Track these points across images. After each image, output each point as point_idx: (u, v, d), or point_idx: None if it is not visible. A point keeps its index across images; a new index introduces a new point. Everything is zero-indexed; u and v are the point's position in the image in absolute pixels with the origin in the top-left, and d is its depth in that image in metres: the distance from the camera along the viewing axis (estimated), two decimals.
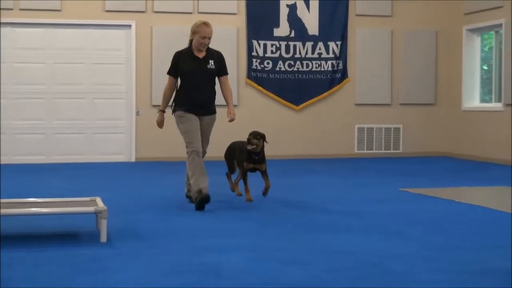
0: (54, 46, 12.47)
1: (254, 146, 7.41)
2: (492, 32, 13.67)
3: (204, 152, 7.32)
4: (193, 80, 7.11)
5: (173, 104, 7.29)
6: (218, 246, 5.50)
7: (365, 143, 14.22)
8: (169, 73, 7.30)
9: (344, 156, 14.00)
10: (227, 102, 7.48)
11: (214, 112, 7.47)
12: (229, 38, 13.24)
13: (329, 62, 13.86)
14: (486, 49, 14.19)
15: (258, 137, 7.54)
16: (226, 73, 7.44)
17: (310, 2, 13.73)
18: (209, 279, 4.36)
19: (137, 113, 12.89)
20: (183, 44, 13.49)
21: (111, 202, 6.86)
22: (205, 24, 7.11)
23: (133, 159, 12.99)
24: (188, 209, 7.50)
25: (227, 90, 7.42)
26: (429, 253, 5.18)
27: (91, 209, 5.66)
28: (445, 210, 7.56)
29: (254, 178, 7.97)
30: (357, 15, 13.97)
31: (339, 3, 13.89)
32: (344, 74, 13.95)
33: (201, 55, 7.10)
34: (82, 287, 4.08)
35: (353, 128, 14.16)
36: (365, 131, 14.21)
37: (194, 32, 7.07)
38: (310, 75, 13.80)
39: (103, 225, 5.57)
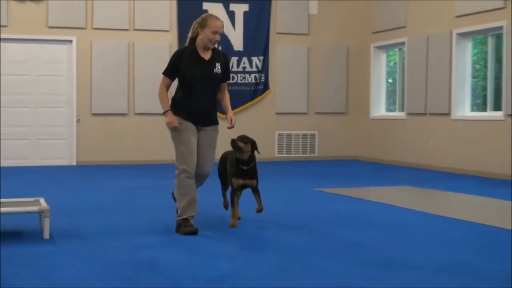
0: (2, 59, 12.62)
1: (239, 150, 6.32)
2: (396, 49, 14.42)
3: (207, 174, 6.18)
4: (197, 85, 5.92)
5: (171, 105, 6.07)
6: (152, 243, 5.62)
7: (285, 147, 14.78)
8: (165, 73, 6.03)
9: (266, 159, 14.22)
10: (226, 109, 6.49)
11: (217, 122, 6.39)
12: (162, 53, 13.52)
13: (253, 75, 14.46)
14: (391, 64, 14.95)
15: (245, 140, 6.43)
16: (229, 78, 6.40)
17: (236, 21, 14.26)
18: (145, 273, 4.55)
19: (78, 121, 13.27)
20: (121, 57, 13.95)
21: (54, 202, 6.83)
22: (216, 17, 5.93)
23: (74, 163, 13.34)
24: (126, 209, 7.65)
25: (226, 96, 6.46)
26: (342, 248, 5.46)
27: (35, 208, 5.72)
28: (356, 208, 7.85)
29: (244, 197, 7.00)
30: (277, 33, 14.55)
31: (261, 22, 14.43)
32: (266, 86, 14.57)
33: (207, 56, 5.89)
34: (26, 282, 4.24)
35: (274, 134, 14.72)
36: (285, 137, 14.77)
37: (202, 25, 5.80)
38: (235, 87, 14.27)
39: (46, 223, 5.64)
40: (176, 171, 5.86)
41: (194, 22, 5.88)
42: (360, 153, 15.22)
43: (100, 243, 5.63)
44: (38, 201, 6.07)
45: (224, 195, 6.82)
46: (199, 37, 5.77)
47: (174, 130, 5.89)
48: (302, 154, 14.92)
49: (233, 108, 13.77)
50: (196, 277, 4.46)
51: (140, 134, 13.92)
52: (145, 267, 4.73)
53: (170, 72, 5.92)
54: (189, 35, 5.97)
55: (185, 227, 5.69)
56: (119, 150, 13.84)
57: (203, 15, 5.93)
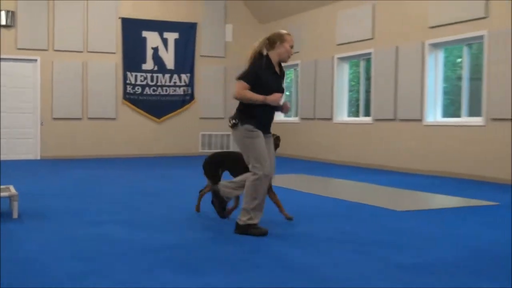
0: None
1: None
2: (292, 69, 14.64)
3: (272, 177, 5.36)
4: None
5: (241, 114, 5.16)
6: (107, 221, 5.54)
7: (207, 145, 15.34)
8: (245, 79, 5.08)
9: (192, 154, 15.02)
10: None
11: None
12: (110, 70, 14.27)
13: (182, 88, 14.97)
14: (288, 80, 14.97)
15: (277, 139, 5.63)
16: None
17: (168, 46, 14.79)
18: (100, 245, 4.50)
19: (41, 124, 13.66)
20: (76, 73, 13.68)
21: (22, 189, 6.89)
22: (289, 33, 5.34)
23: (38, 157, 13.69)
24: (83, 194, 7.50)
25: None
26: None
27: (5, 194, 5.59)
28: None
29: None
30: (201, 55, 15.20)
31: (188, 47, 14.99)
32: (192, 97, 15.10)
33: (278, 71, 5.28)
34: None
35: (198, 134, 15.29)
36: (207, 137, 15.35)
37: (282, 40, 5.18)
38: (168, 98, 14.82)
39: (15, 206, 5.59)
40: (255, 176, 5.03)
41: (265, 38, 5.21)
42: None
43: (62, 221, 5.55)
44: (8, 188, 5.94)
45: (202, 195, 6.17)
46: (277, 51, 5.15)
47: (247, 135, 5.05)
48: (221, 149, 15.07)
49: (166, 113, 14.69)
50: (144, 247, 4.46)
51: (91, 134, 14.30)
52: (100, 240, 4.69)
53: (251, 80, 5.08)
54: (256, 49, 5.20)
55: (256, 229, 5.05)
56: (75, 147, 14.20)
57: (277, 32, 5.26)
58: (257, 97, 5.02)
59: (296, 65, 14.65)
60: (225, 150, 14.19)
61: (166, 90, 14.89)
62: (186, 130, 15.21)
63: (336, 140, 13.20)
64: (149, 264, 4.03)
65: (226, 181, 5.42)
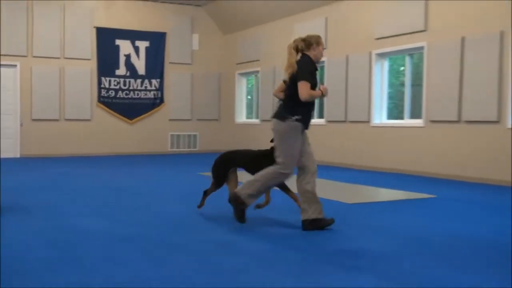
0: None
1: None
2: (253, 75, 15.03)
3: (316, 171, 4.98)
4: None
5: (292, 111, 4.88)
6: (83, 213, 5.52)
7: (175, 144, 15.28)
8: (309, 80, 4.80)
9: (161, 153, 15.01)
10: None
11: None
12: (85, 75, 14.15)
13: (152, 92, 14.88)
14: (249, 85, 15.59)
15: None
16: None
17: (140, 53, 14.69)
18: (76, 235, 4.50)
19: (21, 125, 13.54)
20: (54, 78, 13.43)
21: (3, 185, 6.96)
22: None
23: (18, 155, 13.55)
24: (61, 189, 7.43)
25: None
26: (219, 213, 5.47)
27: None
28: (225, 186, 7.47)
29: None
30: (170, 62, 15.12)
31: (158, 55, 14.91)
32: (161, 100, 15.00)
33: None
34: None
35: (167, 134, 15.19)
36: (175, 137, 15.29)
37: (318, 43, 5.00)
38: (139, 101, 14.73)
39: None
40: (281, 171, 4.90)
41: (301, 40, 5.01)
42: (229, 147, 14.68)
43: (41, 213, 5.50)
44: None
45: (207, 195, 5.73)
46: (313, 52, 4.95)
47: (294, 133, 4.86)
48: (188, 148, 15.47)
49: (138, 115, 14.66)
50: (113, 236, 4.48)
51: (68, 134, 14.14)
52: (75, 231, 4.67)
53: (311, 79, 4.84)
54: (298, 49, 5.00)
55: (326, 221, 4.86)
56: (53, 146, 14.04)
57: (313, 35, 5.05)
58: (318, 93, 4.88)
59: (257, 71, 14.72)
60: (189, 148, 14.50)
61: (138, 94, 14.79)
62: (156, 130, 15.14)
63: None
64: (121, 252, 4.02)
65: (244, 186, 5.01)
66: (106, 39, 14.38)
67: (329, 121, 12.06)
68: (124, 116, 14.70)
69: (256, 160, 5.33)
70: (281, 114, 4.89)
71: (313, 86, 4.82)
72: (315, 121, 12.40)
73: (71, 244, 4.24)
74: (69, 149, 14.26)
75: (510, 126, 8.44)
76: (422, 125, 9.94)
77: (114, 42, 14.50)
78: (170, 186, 7.93)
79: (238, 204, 5.03)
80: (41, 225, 4.97)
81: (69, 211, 5.72)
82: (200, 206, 5.74)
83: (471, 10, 8.98)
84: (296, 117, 4.81)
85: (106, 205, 6.17)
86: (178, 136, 15.43)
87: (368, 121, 11.06)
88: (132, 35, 14.64)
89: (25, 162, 12.21)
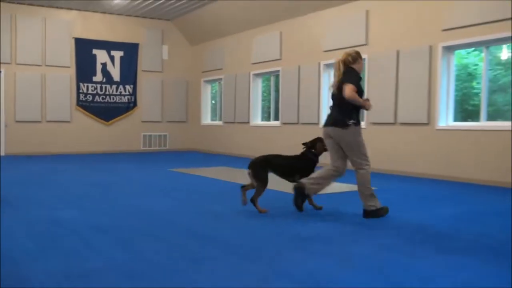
0: None
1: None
2: (217, 82, 15.02)
3: None
4: None
5: (351, 115, 4.90)
6: (62, 207, 5.42)
7: (147, 143, 15.14)
8: (355, 83, 4.85)
9: (135, 151, 14.86)
10: None
11: None
12: (65, 81, 13.86)
13: (126, 97, 14.69)
14: (213, 91, 15.51)
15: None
16: None
17: (115, 61, 14.47)
18: (56, 226, 4.43)
19: (6, 126, 13.28)
20: (36, 84, 13.19)
21: None
22: None
23: (3, 154, 13.25)
24: (42, 184, 7.34)
25: None
26: (191, 207, 5.34)
27: None
28: (193, 181, 7.84)
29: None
30: (142, 70, 14.96)
31: (132, 63, 14.69)
32: (135, 104, 14.85)
33: None
34: None
35: (140, 135, 15.08)
36: (147, 137, 15.16)
37: (360, 58, 5.10)
38: (115, 104, 14.52)
39: None
40: (365, 168, 4.88)
41: (347, 55, 5.07)
42: (196, 146, 15.66)
43: (23, 206, 5.44)
44: None
45: (247, 190, 5.31)
46: (357, 65, 5.04)
47: (358, 134, 4.89)
48: (159, 147, 15.35)
49: (113, 118, 14.49)
50: (88, 225, 4.47)
51: (49, 134, 13.87)
52: (53, 222, 4.62)
53: (358, 84, 4.89)
54: (346, 63, 5.04)
55: (382, 210, 4.93)
56: (35, 145, 13.78)
57: (356, 51, 5.11)
58: (360, 100, 4.84)
59: (220, 79, 14.67)
60: (161, 147, 14.20)
61: (113, 98, 14.63)
62: (130, 131, 15.02)
63: (252, 139, 13.22)
64: (96, 241, 3.98)
65: (308, 180, 5.04)
66: (84, 49, 14.13)
67: (283, 123, 12.07)
68: (101, 118, 14.50)
69: (290, 164, 5.22)
70: (340, 122, 4.88)
71: (359, 93, 4.84)
72: (271, 123, 12.64)
73: (50, 233, 4.18)
74: (50, 148, 13.99)
75: (437, 127, 8.63)
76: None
77: (91, 51, 14.25)
78: (143, 181, 7.86)
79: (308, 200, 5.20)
80: (21, 216, 4.90)
81: (49, 204, 5.63)
82: (244, 203, 5.21)
83: (405, 27, 9.15)
84: (353, 121, 4.83)
85: (83, 198, 6.08)
86: (150, 136, 15.29)
87: (317, 123, 11.08)
88: (108, 46, 14.42)
89: (9, 160, 11.94)
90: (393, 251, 3.77)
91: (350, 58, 4.99)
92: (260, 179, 5.04)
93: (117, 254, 3.58)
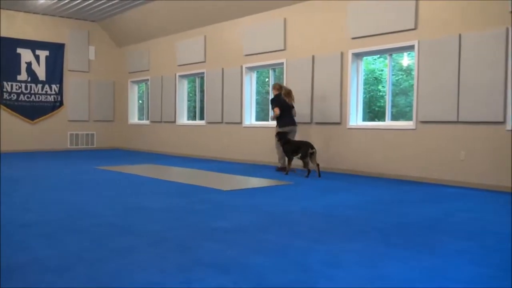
0: None
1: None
2: (143, 83, 14.85)
3: None
4: None
5: (279, 125, 8.51)
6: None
7: (74, 142, 14.90)
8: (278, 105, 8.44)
9: (61, 150, 14.52)
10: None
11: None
12: None
13: (52, 96, 14.35)
14: (140, 92, 15.40)
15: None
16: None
17: (40, 60, 14.08)
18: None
19: None
20: None
21: None
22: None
23: None
24: (25, 179, 7.54)
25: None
26: (116, 203, 5.61)
27: None
28: (119, 177, 7.81)
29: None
30: (68, 70, 14.65)
31: (58, 63, 14.35)
32: (61, 103, 14.52)
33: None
34: None
35: (67, 134, 14.79)
36: (74, 135, 14.90)
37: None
38: (40, 104, 14.15)
39: None
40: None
41: (276, 84, 8.88)
42: (123, 144, 15.55)
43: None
44: None
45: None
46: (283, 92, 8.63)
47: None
48: (86, 146, 15.15)
49: (39, 117, 14.05)
50: (14, 223, 4.56)
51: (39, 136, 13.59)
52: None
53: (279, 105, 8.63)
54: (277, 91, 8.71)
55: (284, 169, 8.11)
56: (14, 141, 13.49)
57: (280, 84, 8.99)
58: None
59: (147, 79, 14.60)
60: (88, 146, 13.85)
61: (39, 98, 14.26)
62: (56, 130, 14.67)
63: (178, 138, 13.22)
64: (21, 237, 3.91)
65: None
66: (8, 48, 13.61)
67: (208, 123, 12.12)
68: (26, 117, 14.08)
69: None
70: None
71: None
72: (197, 122, 12.75)
73: None
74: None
75: (348, 126, 9.02)
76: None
77: (15, 50, 13.77)
78: (68, 178, 7.76)
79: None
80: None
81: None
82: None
83: (319, 35, 9.51)
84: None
85: (8, 195, 5.93)
86: (77, 135, 15.06)
87: (240, 123, 11.23)
88: (33, 45, 14.00)
89: None
90: (301, 238, 3.94)
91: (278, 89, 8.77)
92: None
93: (41, 249, 3.54)
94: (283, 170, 8.45)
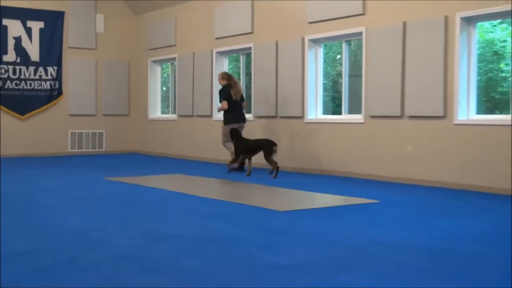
0: None
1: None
2: (169, 63, 15.16)
3: None
4: None
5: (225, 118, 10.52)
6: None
7: (77, 144, 15.17)
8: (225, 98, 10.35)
9: (60, 154, 14.83)
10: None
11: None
12: None
13: (48, 83, 14.65)
14: (164, 75, 15.63)
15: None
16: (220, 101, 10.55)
17: (32, 35, 14.37)
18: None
19: None
20: None
21: None
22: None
23: None
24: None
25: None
26: (119, 222, 5.78)
27: None
28: (137, 192, 7.94)
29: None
30: (69, 47, 14.92)
31: (55, 37, 14.67)
32: (59, 92, 14.80)
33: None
34: None
35: (67, 133, 15.08)
36: (76, 135, 15.19)
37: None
38: (32, 92, 14.45)
39: None
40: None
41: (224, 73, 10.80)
42: (142, 148, 15.87)
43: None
44: None
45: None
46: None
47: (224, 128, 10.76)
48: (92, 149, 15.44)
49: (31, 110, 14.43)
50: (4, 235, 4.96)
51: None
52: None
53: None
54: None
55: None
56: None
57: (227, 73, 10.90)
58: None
59: (174, 58, 14.85)
60: (94, 149, 15.15)
61: (31, 84, 14.64)
62: (53, 128, 15.01)
63: (216, 138, 13.10)
64: (8, 272, 3.94)
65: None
66: None
67: (257, 117, 12.33)
68: (14, 111, 14.51)
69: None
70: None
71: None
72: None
73: None
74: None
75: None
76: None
77: (0, 22, 14.17)
78: (69, 193, 7.91)
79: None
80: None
81: None
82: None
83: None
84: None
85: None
86: (81, 134, 15.42)
87: (302, 117, 11.30)
88: (23, 14, 14.35)
89: None
90: (396, 281, 3.84)
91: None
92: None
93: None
94: (238, 170, 10.46)
